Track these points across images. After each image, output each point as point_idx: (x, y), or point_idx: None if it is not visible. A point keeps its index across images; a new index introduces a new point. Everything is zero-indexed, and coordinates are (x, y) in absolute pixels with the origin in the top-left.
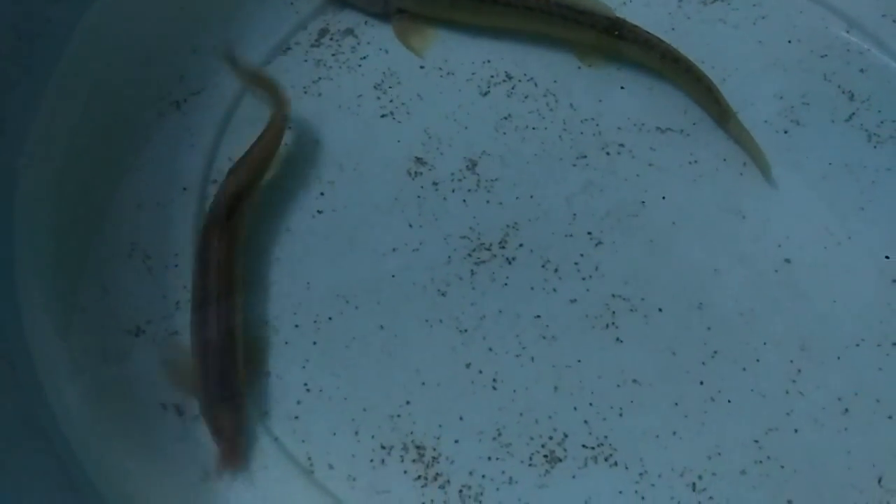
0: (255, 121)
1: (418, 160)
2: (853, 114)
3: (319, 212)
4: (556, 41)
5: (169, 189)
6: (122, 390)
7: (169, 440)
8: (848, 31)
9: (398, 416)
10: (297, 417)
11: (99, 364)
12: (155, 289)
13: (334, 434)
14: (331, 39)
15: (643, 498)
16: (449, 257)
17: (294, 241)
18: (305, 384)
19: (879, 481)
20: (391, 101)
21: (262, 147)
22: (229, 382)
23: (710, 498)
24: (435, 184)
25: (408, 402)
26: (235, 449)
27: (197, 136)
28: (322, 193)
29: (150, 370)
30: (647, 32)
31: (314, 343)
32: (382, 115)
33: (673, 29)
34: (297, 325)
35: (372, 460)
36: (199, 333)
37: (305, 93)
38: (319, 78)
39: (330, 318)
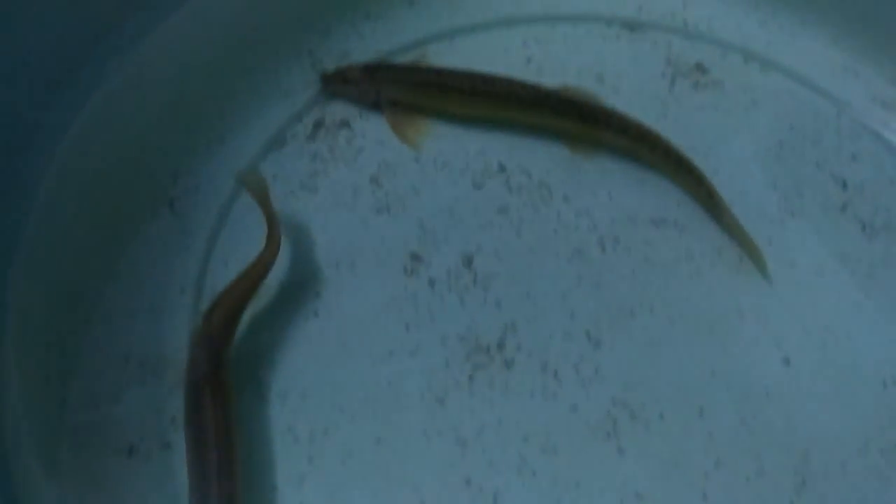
0: (250, 222)
1: (414, 256)
2: (846, 203)
3: (315, 314)
4: (548, 132)
5: (163, 293)
6: None
7: None
8: (838, 116)
9: None
10: None
11: (89, 493)
12: (149, 402)
13: None
14: (326, 132)
15: None
16: (447, 361)
17: (289, 347)
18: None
19: None
20: (387, 194)
21: (241, 288)
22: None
23: None
24: (431, 281)
25: None
26: None
27: (191, 237)
28: (318, 294)
29: (143, 494)
30: (637, 122)
31: (310, 459)
32: (378, 210)
33: (664, 116)
34: (294, 440)
35: None
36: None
37: (302, 188)
38: (316, 172)
39: (326, 432)
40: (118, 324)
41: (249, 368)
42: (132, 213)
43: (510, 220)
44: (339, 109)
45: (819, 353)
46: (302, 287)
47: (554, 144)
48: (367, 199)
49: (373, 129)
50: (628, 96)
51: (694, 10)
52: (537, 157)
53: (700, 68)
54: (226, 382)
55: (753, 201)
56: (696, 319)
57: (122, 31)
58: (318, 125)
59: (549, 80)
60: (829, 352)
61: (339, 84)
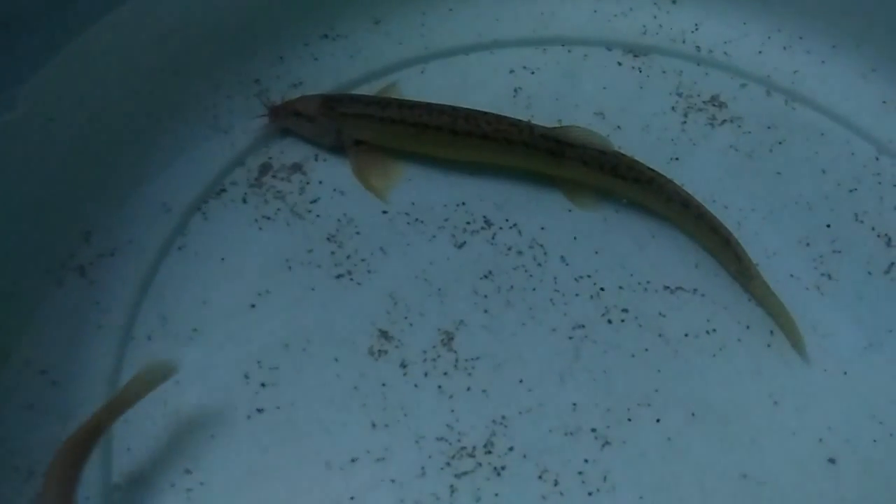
0: (178, 288)
1: (382, 334)
2: (893, 263)
3: (259, 410)
4: (542, 179)
5: (70, 381)
6: None
7: None
8: (878, 158)
9: None
10: None
11: None
12: None
13: None
14: (273, 177)
15: None
16: (423, 468)
17: (224, 451)
18: None
19: None
20: (348, 256)
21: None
22: None
23: None
24: (403, 366)
25: None
26: None
27: (105, 311)
28: (262, 385)
29: None
30: (648, 168)
31: None
32: (338, 276)
33: (676, 158)
34: None
35: None
36: None
37: (243, 247)
38: (260, 228)
39: None
40: (10, 421)
41: (181, 478)
42: (31, 282)
43: (497, 288)
44: (289, 151)
45: (869, 448)
46: (240, 375)
47: (549, 194)
48: (323, 262)
49: (331, 174)
50: (634, 135)
51: (707, 33)
52: (529, 210)
53: (716, 101)
54: None
55: (784, 263)
56: (723, 410)
57: (18, 53)
58: (265, 169)
59: (542, 115)
60: (881, 446)
61: (290, 119)
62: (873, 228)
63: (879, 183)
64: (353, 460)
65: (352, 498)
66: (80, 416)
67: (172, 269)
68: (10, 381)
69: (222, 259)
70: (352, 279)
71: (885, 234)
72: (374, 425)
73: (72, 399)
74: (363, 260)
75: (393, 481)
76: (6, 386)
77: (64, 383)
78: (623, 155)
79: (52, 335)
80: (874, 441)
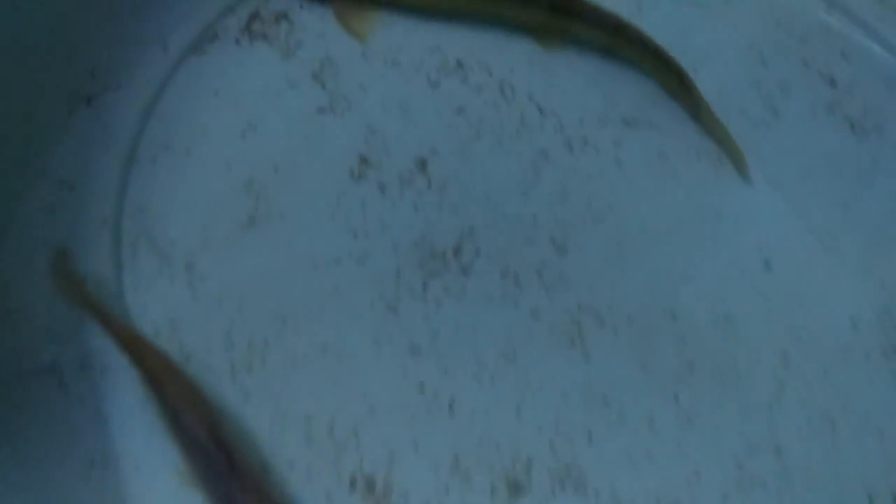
0: (176, 118)
1: (362, 160)
2: (835, 103)
3: (251, 221)
4: (511, 25)
5: (85, 193)
6: None
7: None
8: (828, 12)
9: (346, 446)
10: None
11: None
12: (65, 314)
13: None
14: (262, 24)
15: None
16: (398, 269)
17: (223, 256)
18: (241, 406)
19: (871, 500)
20: (330, 93)
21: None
22: None
23: None
24: (381, 186)
25: (356, 432)
26: None
27: (112, 136)
28: (255, 199)
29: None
30: (609, 11)
31: (250, 369)
32: (321, 110)
33: (639, 10)
34: (231, 347)
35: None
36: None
37: (235, 86)
38: (250, 67)
39: (266, 341)
40: (35, 222)
41: (182, 276)
42: (45, 112)
43: (468, 121)
44: (276, 1)
45: (802, 255)
46: (235, 191)
47: (518, 38)
48: (308, 97)
49: (315, 20)
50: None
51: None
52: (500, 52)
53: None
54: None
55: (735, 101)
56: (670, 222)
57: None
58: (254, 17)
59: None
60: (812, 254)
61: None
62: (820, 72)
63: (828, 33)
64: (336, 261)
65: (336, 291)
66: (94, 219)
67: (171, 102)
68: (33, 189)
69: (216, 93)
70: (334, 112)
71: (830, 77)
72: (355, 235)
73: (87, 203)
74: (344, 96)
75: (372, 278)
76: (31, 193)
77: (79, 190)
78: (589, 1)
79: (67, 154)
80: (807, 250)
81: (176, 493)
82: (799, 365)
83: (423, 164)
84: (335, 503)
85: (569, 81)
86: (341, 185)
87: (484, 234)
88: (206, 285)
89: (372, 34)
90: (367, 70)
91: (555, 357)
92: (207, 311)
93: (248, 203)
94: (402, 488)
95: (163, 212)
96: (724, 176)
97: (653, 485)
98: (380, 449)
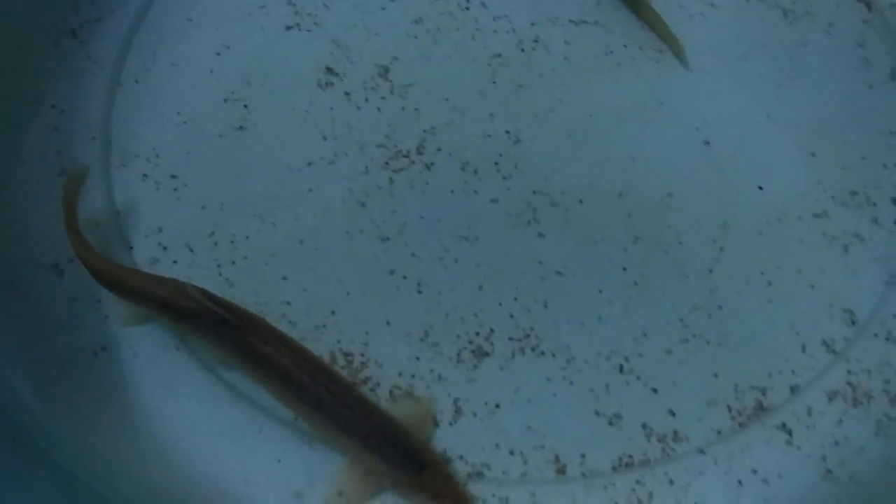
0: (155, 45)
1: (328, 70)
2: None
3: (229, 131)
4: None
5: (73, 117)
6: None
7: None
8: None
9: (324, 326)
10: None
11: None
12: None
13: None
14: None
15: (571, 383)
16: (366, 167)
17: (203, 162)
18: (229, 298)
19: (804, 349)
20: (296, 12)
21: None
22: (414, 448)
23: (638, 378)
24: (347, 94)
25: (333, 313)
26: (462, 499)
27: (96, 63)
28: (231, 109)
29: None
30: None
31: (233, 262)
32: (288, 27)
33: None
34: (214, 245)
35: None
36: (354, 430)
37: (209, 10)
38: None
39: (247, 237)
40: (39, 143)
41: (167, 184)
42: (33, 44)
43: (426, 30)
44: None
45: (739, 133)
46: (211, 104)
47: None
48: (275, 16)
49: None
50: None
51: None
52: None
53: None
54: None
55: None
56: (616, 110)
57: None
58: None
59: None
60: (749, 132)
61: None
62: None
63: None
64: (308, 164)
65: (310, 190)
66: (84, 136)
67: (149, 30)
68: (26, 112)
69: (189, 19)
70: (300, 29)
71: None
72: (324, 138)
73: (77, 124)
74: (309, 14)
75: (342, 177)
76: (26, 116)
77: (70, 113)
78: None
79: (58, 82)
80: (744, 128)
81: (172, 377)
82: (736, 232)
83: (385, 72)
84: None
85: None
86: (310, 94)
87: (444, 132)
88: (189, 191)
89: None
90: None
91: (512, 238)
92: (192, 215)
93: (225, 116)
94: (377, 360)
95: (147, 128)
96: (666, 66)
97: (603, 344)
98: (355, 327)
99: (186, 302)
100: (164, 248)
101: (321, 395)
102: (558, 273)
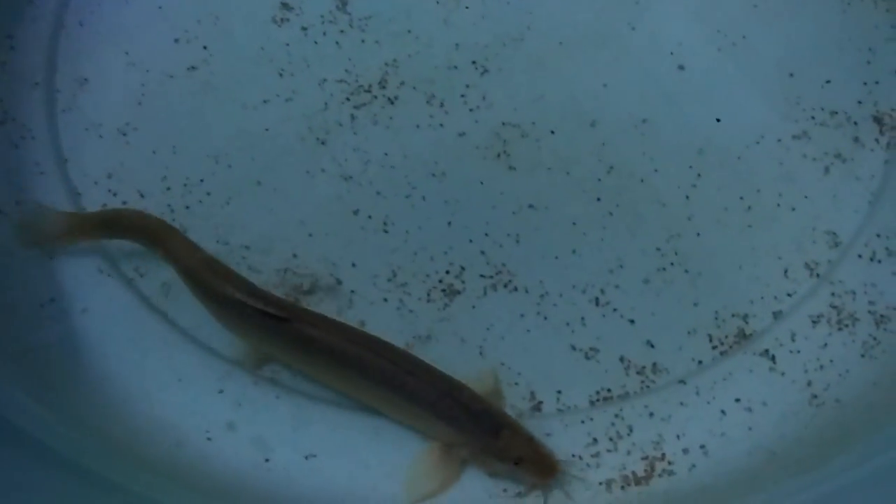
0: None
1: (283, 6)
2: None
3: (180, 71)
4: None
5: (17, 60)
6: None
7: None
8: None
9: (286, 270)
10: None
11: None
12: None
13: None
14: None
15: (546, 318)
16: (326, 104)
17: (153, 105)
18: None
19: (786, 273)
20: None
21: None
22: (487, 409)
23: (615, 310)
24: (304, 28)
25: (294, 256)
26: (547, 459)
27: (38, 7)
28: (181, 53)
29: None
30: None
31: (187, 207)
32: None
33: None
34: (167, 189)
35: None
36: (423, 397)
37: None
38: None
39: (201, 181)
40: None
41: (116, 129)
42: None
43: None
44: None
45: (714, 56)
46: (160, 45)
47: None
48: None
49: None
50: None
51: None
52: None
53: None
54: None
55: None
56: (586, 38)
57: None
58: None
59: None
60: (724, 54)
61: None
62: None
63: None
64: (264, 102)
65: (266, 129)
66: (26, 82)
67: None
68: None
69: None
70: None
71: None
72: (280, 74)
73: (22, 68)
74: None
75: (300, 114)
76: None
77: (10, 59)
78: None
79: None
80: (718, 50)
81: (125, 331)
82: (714, 157)
83: (343, 4)
84: None
85: None
86: (265, 31)
87: (407, 64)
88: (139, 135)
89: None
90: None
91: (482, 172)
92: (142, 160)
93: (175, 56)
94: (343, 303)
95: (93, 71)
96: None
97: (578, 277)
98: (319, 270)
99: (229, 294)
100: (115, 195)
101: (383, 367)
102: (530, 206)
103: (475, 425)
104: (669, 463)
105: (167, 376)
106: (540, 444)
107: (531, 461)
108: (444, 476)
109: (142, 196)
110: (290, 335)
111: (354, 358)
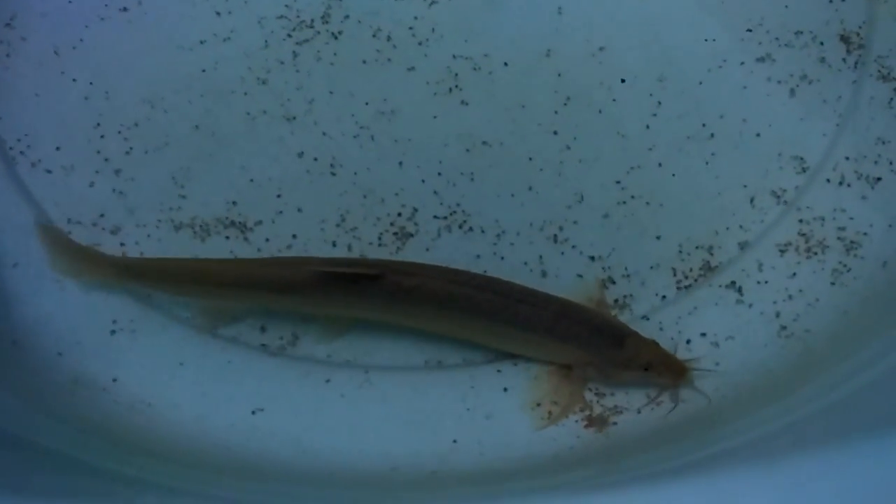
0: None
1: None
2: None
3: (111, 12)
4: None
5: None
6: None
7: None
8: None
9: (226, 218)
10: (116, 231)
11: None
12: None
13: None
14: None
15: (503, 258)
16: (266, 41)
17: (83, 48)
18: (120, 191)
19: (752, 201)
20: None
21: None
22: (606, 322)
23: (574, 247)
24: None
25: (235, 203)
26: (675, 360)
27: None
28: None
29: None
30: None
31: (124, 154)
32: None
33: None
34: (101, 137)
35: None
36: (538, 323)
37: None
38: None
39: (136, 124)
40: None
41: (43, 71)
42: None
43: None
44: None
45: None
46: None
47: None
48: None
49: None
50: None
51: None
52: None
53: None
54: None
55: None
56: None
57: None
58: None
59: None
60: None
61: None
62: None
63: None
64: (201, 42)
65: (203, 70)
66: None
67: None
68: None
69: None
70: None
71: None
72: (217, 13)
73: None
74: None
75: (239, 54)
76: None
77: None
78: None
79: None
80: None
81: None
82: (674, 84)
83: None
84: None
85: None
86: None
87: None
88: (68, 80)
89: None
90: None
91: (433, 108)
92: (73, 106)
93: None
94: (287, 246)
95: (22, 12)
96: None
97: (536, 215)
98: (263, 216)
99: (303, 276)
100: (44, 146)
101: (492, 301)
102: (484, 143)
103: (598, 339)
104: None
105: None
106: (665, 349)
107: (661, 364)
108: (568, 398)
109: (75, 144)
110: (388, 291)
111: (462, 299)
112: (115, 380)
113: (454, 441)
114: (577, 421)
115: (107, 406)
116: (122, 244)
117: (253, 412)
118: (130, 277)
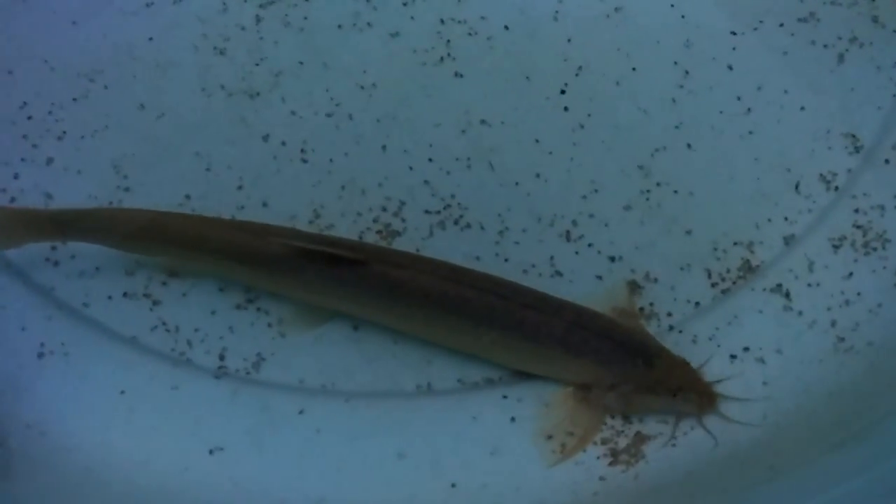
0: None
1: None
2: None
3: None
4: None
5: None
6: None
7: None
8: None
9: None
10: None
11: None
12: None
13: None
14: None
15: (506, 260)
16: (224, 4)
17: (9, 15)
18: (51, 184)
19: (797, 188)
20: None
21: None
22: (631, 335)
23: (590, 245)
24: None
25: (188, 197)
26: (707, 388)
27: None
28: None
29: None
30: None
31: (59, 138)
32: None
33: None
34: (28, 119)
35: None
36: (548, 333)
37: None
38: None
39: (74, 102)
40: None
41: None
42: None
43: None
44: None
45: None
46: None
47: None
48: None
49: None
50: None
51: None
52: None
53: None
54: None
55: None
56: None
57: None
58: None
59: None
60: None
61: None
62: None
63: None
64: (148, 5)
65: (150, 38)
66: None
67: None
68: None
69: None
70: None
71: None
72: None
73: None
74: None
75: (194, 18)
76: None
77: None
78: None
79: None
80: None
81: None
82: (703, 49)
83: None
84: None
85: None
86: None
87: None
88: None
89: None
90: None
91: (422, 80)
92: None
93: None
94: None
95: None
96: None
97: (545, 207)
98: (221, 210)
99: (273, 248)
100: None
101: (492, 304)
102: (483, 122)
103: (622, 356)
104: (660, 434)
105: None
106: (697, 372)
107: (691, 390)
108: (586, 427)
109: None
110: (370, 281)
111: (456, 300)
112: (41, 413)
113: (453, 485)
114: (598, 458)
115: (31, 448)
116: (52, 248)
117: (210, 451)
118: (75, 233)
